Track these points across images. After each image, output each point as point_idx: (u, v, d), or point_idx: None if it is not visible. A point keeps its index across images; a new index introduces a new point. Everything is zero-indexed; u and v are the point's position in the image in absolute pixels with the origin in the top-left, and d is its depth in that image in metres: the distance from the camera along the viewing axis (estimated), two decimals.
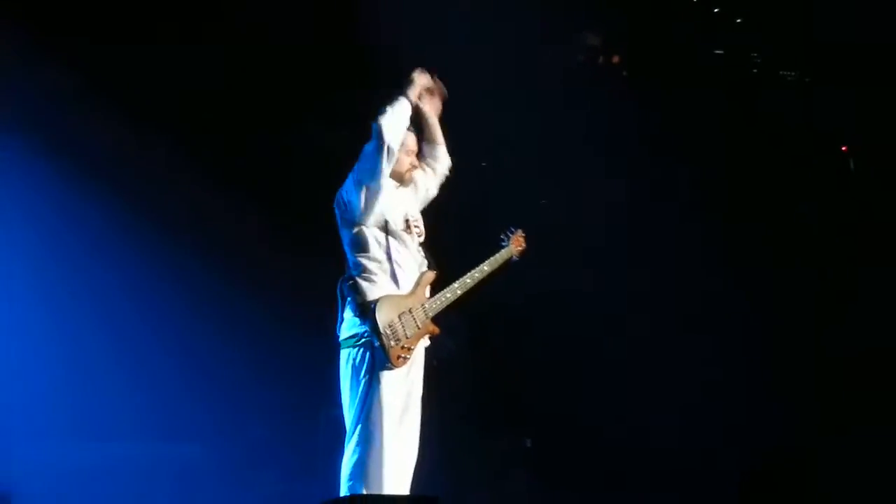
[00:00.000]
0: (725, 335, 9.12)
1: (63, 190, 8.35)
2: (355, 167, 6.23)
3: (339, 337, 6.17)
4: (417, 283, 6.21)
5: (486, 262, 6.54)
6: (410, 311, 6.11)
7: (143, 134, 8.55)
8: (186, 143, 8.65)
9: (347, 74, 8.76)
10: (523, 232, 6.81)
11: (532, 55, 9.14)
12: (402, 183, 6.40)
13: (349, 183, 6.21)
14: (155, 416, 8.43)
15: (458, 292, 6.33)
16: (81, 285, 8.41)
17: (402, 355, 6.03)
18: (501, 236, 6.75)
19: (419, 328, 6.10)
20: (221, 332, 8.59)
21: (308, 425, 8.56)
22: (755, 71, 9.57)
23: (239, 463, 8.57)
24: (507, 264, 6.69)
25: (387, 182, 6.21)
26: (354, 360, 6.06)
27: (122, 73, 8.47)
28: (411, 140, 6.41)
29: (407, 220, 6.29)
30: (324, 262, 6.56)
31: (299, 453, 8.58)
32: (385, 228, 6.18)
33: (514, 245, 6.74)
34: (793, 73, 9.51)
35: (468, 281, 6.39)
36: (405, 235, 6.24)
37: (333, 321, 6.27)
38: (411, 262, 6.24)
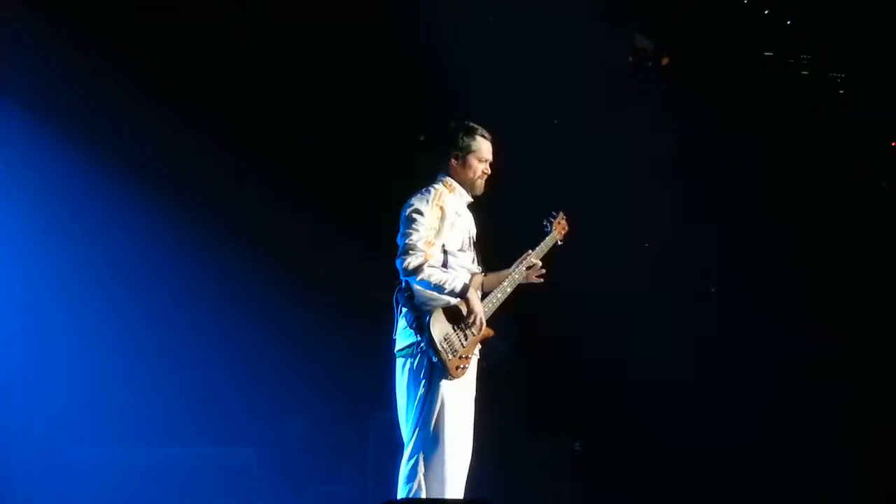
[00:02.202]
0: (784, 337, 9.10)
1: (124, 202, 8.40)
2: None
3: (394, 345, 6.12)
4: None
5: (532, 252, 6.29)
6: (464, 319, 6.02)
7: (195, 132, 8.57)
8: (242, 145, 8.67)
9: (402, 81, 8.76)
10: (565, 214, 6.53)
11: (581, 55, 9.13)
12: (473, 190, 6.23)
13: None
14: (206, 421, 8.47)
15: (508, 290, 6.19)
16: (136, 294, 8.48)
17: (461, 365, 5.98)
18: (544, 222, 6.46)
19: (474, 334, 6.03)
20: (272, 337, 8.63)
21: (359, 429, 8.59)
22: (804, 72, 9.54)
23: (290, 467, 8.60)
24: (554, 250, 6.43)
25: (449, 219, 6.07)
26: (412, 367, 6.01)
27: (173, 70, 8.51)
28: (486, 148, 6.22)
29: (470, 239, 6.21)
30: (374, 267, 6.49)
31: (350, 457, 8.61)
32: (445, 249, 6.08)
33: (558, 229, 6.45)
34: (842, 74, 9.47)
35: (516, 276, 6.22)
36: (465, 251, 6.16)
37: (383, 325, 6.25)
38: (466, 273, 6.12)
